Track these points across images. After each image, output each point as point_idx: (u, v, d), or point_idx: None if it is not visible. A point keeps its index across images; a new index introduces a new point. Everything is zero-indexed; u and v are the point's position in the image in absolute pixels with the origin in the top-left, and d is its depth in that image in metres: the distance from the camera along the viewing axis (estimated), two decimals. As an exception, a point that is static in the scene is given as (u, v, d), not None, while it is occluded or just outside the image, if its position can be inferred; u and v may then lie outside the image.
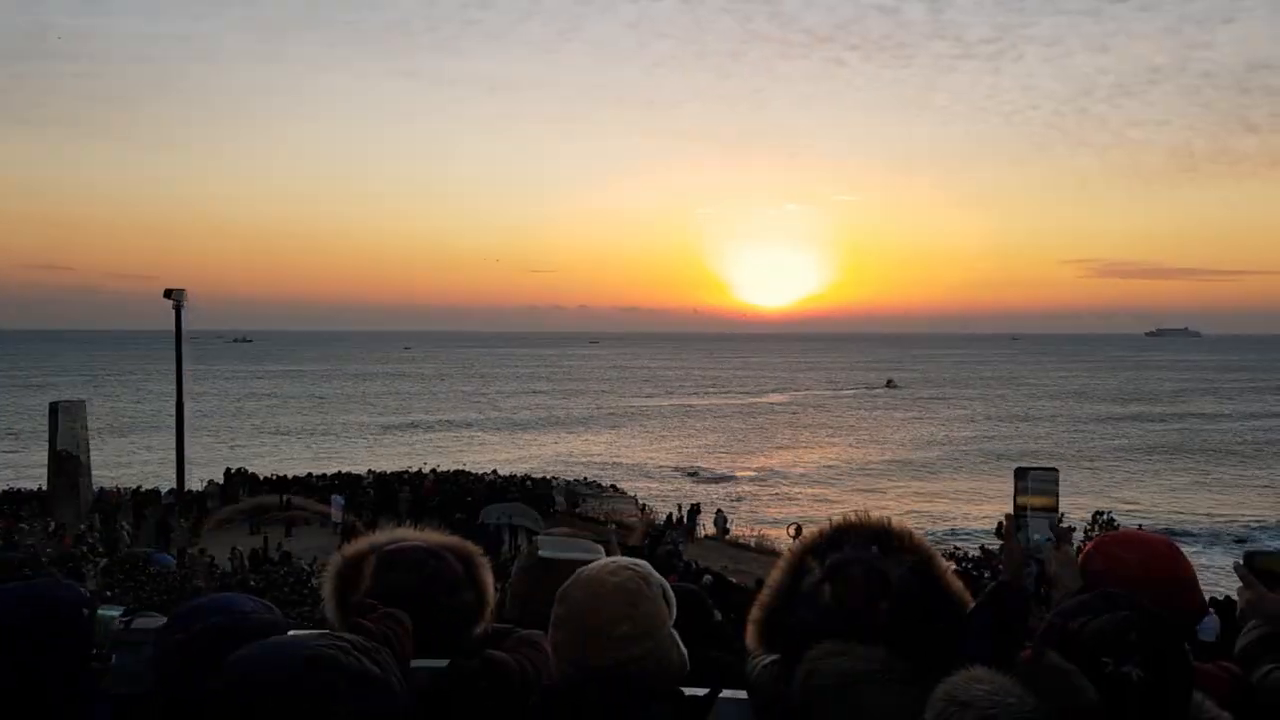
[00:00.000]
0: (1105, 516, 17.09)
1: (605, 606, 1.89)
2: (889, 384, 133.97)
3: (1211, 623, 5.92)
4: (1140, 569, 2.09)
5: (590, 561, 3.06)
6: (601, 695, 1.85)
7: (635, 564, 2.00)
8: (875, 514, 2.13)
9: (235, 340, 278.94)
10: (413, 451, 61.17)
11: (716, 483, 56.26)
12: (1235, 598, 2.30)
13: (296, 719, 1.50)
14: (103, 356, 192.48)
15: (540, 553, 3.19)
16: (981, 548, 20.10)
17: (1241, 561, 2.27)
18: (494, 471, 42.00)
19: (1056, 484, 2.12)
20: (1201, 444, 71.60)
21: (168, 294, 25.51)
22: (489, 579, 2.20)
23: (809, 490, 53.71)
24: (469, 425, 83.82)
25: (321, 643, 1.60)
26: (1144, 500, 48.59)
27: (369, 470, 42.14)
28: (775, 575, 2.11)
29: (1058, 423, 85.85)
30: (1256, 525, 42.76)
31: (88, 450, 31.94)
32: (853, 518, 2.12)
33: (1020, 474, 2.13)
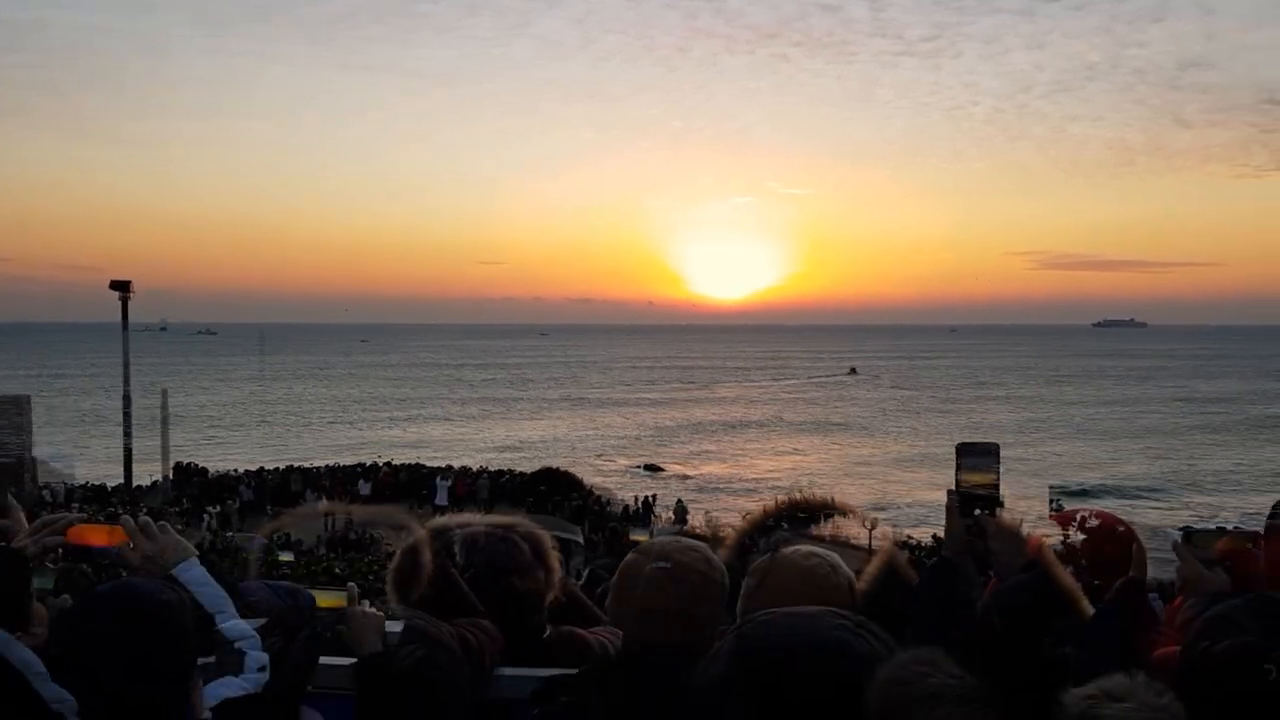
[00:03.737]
0: (1056, 504, 17.34)
1: (819, 591, 1.93)
2: (851, 371, 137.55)
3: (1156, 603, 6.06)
4: (1127, 555, 2.13)
5: (569, 539, 3.17)
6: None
7: (817, 549, 2.06)
8: (820, 493, 2.13)
9: (199, 333, 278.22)
10: (368, 444, 60.57)
11: (675, 474, 56.39)
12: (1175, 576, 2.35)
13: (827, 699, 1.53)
14: (46, 349, 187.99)
15: None
16: (934, 536, 20.37)
17: (1180, 539, 2.32)
18: (449, 465, 41.77)
19: (998, 459, 2.12)
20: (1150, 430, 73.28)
21: (114, 285, 24.99)
22: (555, 557, 2.31)
23: (770, 479, 53.98)
24: (424, 418, 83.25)
25: (841, 622, 1.64)
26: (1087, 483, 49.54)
27: (326, 465, 41.76)
28: (722, 554, 2.11)
29: (1018, 407, 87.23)
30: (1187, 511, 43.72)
31: (32, 446, 31.30)
32: (797, 496, 2.12)
33: (962, 450, 2.14)
